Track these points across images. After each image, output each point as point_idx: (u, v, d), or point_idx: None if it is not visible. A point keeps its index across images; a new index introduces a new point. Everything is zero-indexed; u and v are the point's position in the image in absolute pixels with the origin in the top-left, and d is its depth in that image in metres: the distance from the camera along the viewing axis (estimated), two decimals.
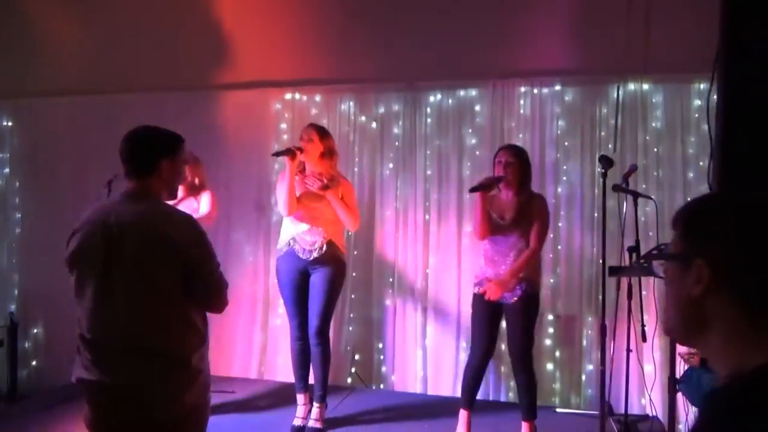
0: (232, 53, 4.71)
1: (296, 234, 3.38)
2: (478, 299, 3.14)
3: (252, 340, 4.66)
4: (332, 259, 3.37)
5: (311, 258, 3.34)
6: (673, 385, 3.07)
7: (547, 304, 4.01)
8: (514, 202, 3.15)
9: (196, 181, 3.72)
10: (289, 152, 3.28)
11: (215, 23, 4.64)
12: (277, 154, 3.42)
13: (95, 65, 4.86)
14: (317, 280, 3.36)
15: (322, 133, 3.43)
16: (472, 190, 3.11)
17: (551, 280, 4.06)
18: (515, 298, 3.08)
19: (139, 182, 1.89)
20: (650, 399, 3.68)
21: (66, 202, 4.71)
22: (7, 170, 5.19)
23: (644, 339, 3.28)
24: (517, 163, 3.11)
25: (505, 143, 4.04)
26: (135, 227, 1.80)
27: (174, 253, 1.79)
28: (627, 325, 3.45)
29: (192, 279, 1.82)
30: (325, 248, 3.34)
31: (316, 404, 3.47)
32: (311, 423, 3.44)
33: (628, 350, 3.45)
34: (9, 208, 5.16)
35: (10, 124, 5.19)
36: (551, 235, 4.05)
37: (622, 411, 3.46)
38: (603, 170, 3.04)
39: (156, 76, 4.70)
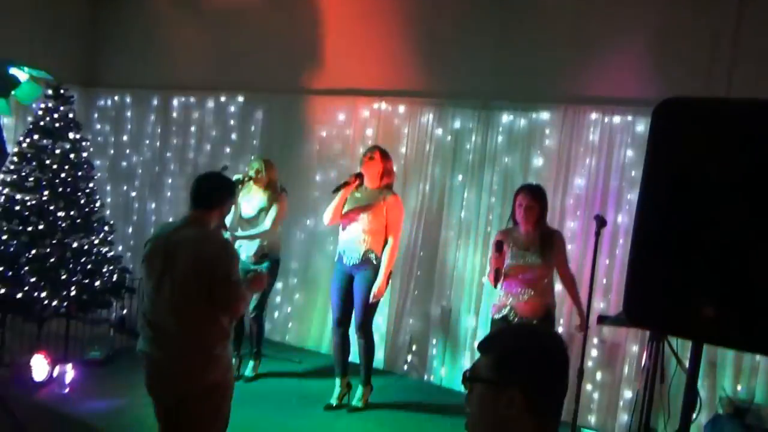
0: (331, 61, 5.25)
1: (344, 245, 3.90)
2: (500, 322, 3.47)
3: (327, 319, 5.25)
4: (372, 265, 3.82)
5: (352, 264, 3.85)
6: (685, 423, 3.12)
7: (595, 329, 4.12)
8: (535, 236, 3.41)
9: (269, 183, 4.31)
10: (346, 184, 3.86)
11: (316, 33, 5.23)
12: (337, 189, 3.93)
13: (206, 66, 5.72)
14: (359, 282, 3.85)
15: (384, 154, 3.87)
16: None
17: (602, 305, 4.16)
18: (535, 321, 3.37)
19: (198, 212, 2.50)
20: None
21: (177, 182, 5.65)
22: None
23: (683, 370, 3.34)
24: (536, 207, 3.40)
25: (571, 166, 4.21)
26: (185, 246, 2.40)
27: (205, 267, 2.35)
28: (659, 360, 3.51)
29: (214, 289, 2.36)
30: (364, 256, 3.81)
31: (360, 386, 4.00)
32: (354, 401, 3.98)
33: (662, 382, 3.52)
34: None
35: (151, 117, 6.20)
36: (607, 262, 4.16)
37: None
38: (596, 230, 3.17)
39: (258, 77, 5.46)
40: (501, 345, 1.24)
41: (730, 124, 1.43)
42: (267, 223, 4.24)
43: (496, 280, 3.43)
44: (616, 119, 4.16)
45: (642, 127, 4.09)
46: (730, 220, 1.42)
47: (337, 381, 4.03)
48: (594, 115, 4.22)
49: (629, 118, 4.12)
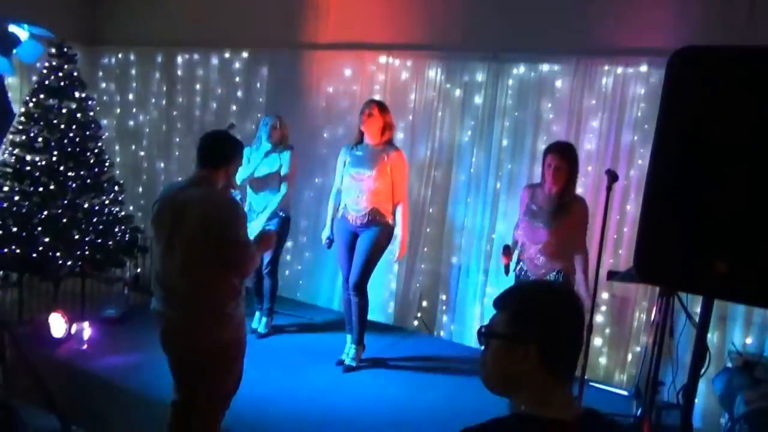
0: (336, 15, 5.11)
1: (347, 201, 3.87)
2: (518, 279, 3.46)
3: (337, 275, 5.27)
4: (376, 225, 3.80)
5: (357, 223, 3.83)
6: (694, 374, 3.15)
7: (605, 284, 4.12)
8: (552, 201, 3.29)
9: (283, 140, 4.28)
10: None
11: None
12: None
13: (210, 22, 5.61)
14: (361, 241, 3.84)
15: (383, 108, 3.77)
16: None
17: (611, 261, 4.14)
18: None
19: (206, 171, 2.47)
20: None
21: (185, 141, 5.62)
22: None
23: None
24: (566, 168, 3.22)
25: (582, 119, 4.11)
26: (193, 206, 2.38)
27: (212, 228, 2.33)
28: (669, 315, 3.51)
29: (222, 247, 2.36)
30: (368, 216, 3.78)
31: (353, 345, 4.03)
32: (347, 360, 4.03)
33: (671, 336, 3.53)
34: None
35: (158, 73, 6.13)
36: (617, 218, 4.12)
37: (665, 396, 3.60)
38: (608, 185, 3.10)
39: (262, 33, 5.36)
40: (517, 301, 1.25)
41: (748, 72, 1.37)
42: (282, 188, 4.25)
43: (506, 272, 3.49)
44: (630, 70, 4.04)
45: (657, 78, 3.98)
46: (744, 174, 1.38)
47: (348, 337, 4.07)
48: (607, 67, 4.10)
49: (643, 69, 4.00)
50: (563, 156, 3.25)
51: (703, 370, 1.92)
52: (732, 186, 1.40)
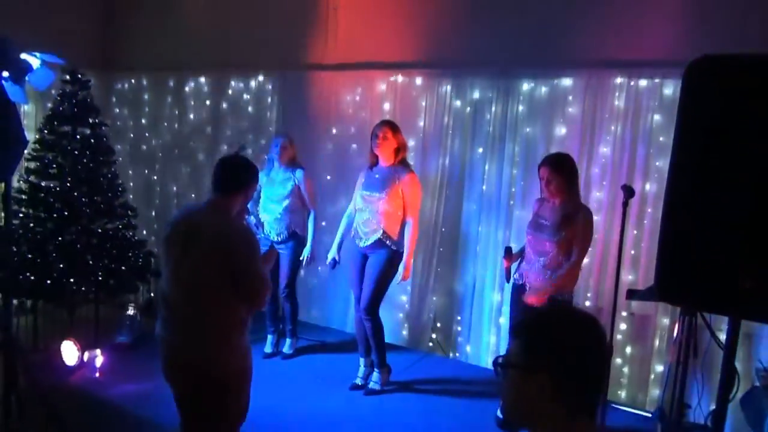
0: (344, 35, 5.13)
1: (358, 223, 3.83)
2: (517, 290, 3.45)
3: (350, 297, 5.22)
4: (385, 248, 3.75)
5: (366, 245, 3.79)
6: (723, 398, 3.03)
7: (623, 303, 4.01)
8: (558, 211, 3.30)
9: (294, 160, 4.30)
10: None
11: (328, 6, 5.11)
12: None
13: (220, 46, 5.67)
14: (370, 264, 3.80)
15: (395, 129, 3.74)
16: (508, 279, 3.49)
17: (630, 278, 4.04)
18: (542, 302, 3.27)
19: (221, 197, 2.43)
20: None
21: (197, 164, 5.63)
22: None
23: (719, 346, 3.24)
24: (555, 180, 3.26)
25: (595, 133, 4.08)
26: (206, 232, 2.34)
27: (227, 256, 2.30)
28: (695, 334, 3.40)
29: (237, 277, 2.32)
30: (378, 238, 3.74)
31: (376, 369, 3.96)
32: (371, 384, 3.95)
33: (695, 356, 3.42)
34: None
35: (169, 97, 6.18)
36: (635, 232, 4.02)
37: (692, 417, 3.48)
38: (624, 200, 3.04)
39: (273, 56, 5.41)
40: (530, 329, 1.20)
41: (767, 80, 1.31)
42: (310, 206, 4.30)
43: (507, 278, 3.49)
44: (643, 83, 3.98)
45: (670, 90, 3.91)
46: None
47: (361, 360, 4.00)
48: (619, 80, 4.04)
49: (656, 80, 3.93)
50: (555, 169, 3.27)
51: (732, 394, 1.82)
52: (756, 198, 1.34)
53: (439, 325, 4.92)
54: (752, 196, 1.33)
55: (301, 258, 4.30)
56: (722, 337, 3.24)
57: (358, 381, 3.99)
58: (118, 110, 6.52)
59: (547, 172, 3.27)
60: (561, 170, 3.28)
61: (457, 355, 4.80)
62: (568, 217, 3.27)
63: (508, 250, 3.46)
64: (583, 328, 1.18)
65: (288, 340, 4.54)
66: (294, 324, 4.53)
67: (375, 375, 3.96)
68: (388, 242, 3.76)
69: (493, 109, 4.50)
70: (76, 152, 4.78)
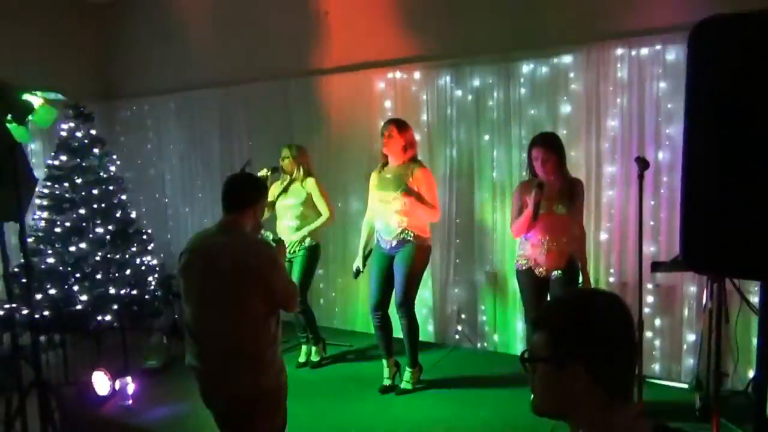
0: (339, 38, 5.12)
1: (379, 225, 3.83)
2: (525, 274, 3.44)
3: None
4: (409, 243, 3.74)
5: (391, 246, 3.78)
6: (764, 364, 2.97)
7: (648, 276, 3.95)
8: (560, 186, 3.36)
9: (301, 169, 4.26)
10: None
11: (319, 10, 5.09)
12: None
13: (218, 62, 5.70)
14: (397, 262, 3.77)
15: (401, 127, 3.72)
16: (535, 215, 3.29)
17: (652, 249, 3.98)
18: (560, 271, 3.35)
19: (232, 216, 2.41)
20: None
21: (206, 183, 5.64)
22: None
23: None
24: (553, 157, 3.32)
25: (601, 108, 4.04)
26: (224, 254, 2.32)
27: (251, 273, 2.28)
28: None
29: (270, 291, 2.31)
30: (400, 236, 3.73)
31: (407, 368, 3.93)
32: (403, 384, 3.93)
33: (727, 322, 3.35)
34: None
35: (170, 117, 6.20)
36: (652, 203, 3.97)
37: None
38: (639, 173, 3.00)
39: (272, 66, 5.38)
40: (555, 319, 1.16)
41: None
42: (324, 211, 4.25)
43: (534, 218, 3.33)
44: (644, 51, 3.92)
45: (673, 55, 3.85)
46: None
47: (384, 362, 3.99)
48: (620, 51, 3.99)
49: (658, 47, 3.87)
50: (549, 148, 3.33)
51: None
52: None
53: (464, 316, 4.89)
54: None
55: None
56: (753, 300, 3.19)
57: (386, 382, 3.97)
58: (123, 138, 6.56)
59: (542, 152, 3.32)
60: (554, 148, 3.35)
61: (486, 345, 4.76)
62: (571, 186, 3.38)
63: (541, 185, 3.29)
64: (608, 310, 1.14)
65: (313, 348, 4.54)
66: (315, 332, 4.51)
67: (407, 374, 3.95)
68: (411, 237, 3.75)
69: (495, 94, 4.46)
70: (86, 184, 4.82)
